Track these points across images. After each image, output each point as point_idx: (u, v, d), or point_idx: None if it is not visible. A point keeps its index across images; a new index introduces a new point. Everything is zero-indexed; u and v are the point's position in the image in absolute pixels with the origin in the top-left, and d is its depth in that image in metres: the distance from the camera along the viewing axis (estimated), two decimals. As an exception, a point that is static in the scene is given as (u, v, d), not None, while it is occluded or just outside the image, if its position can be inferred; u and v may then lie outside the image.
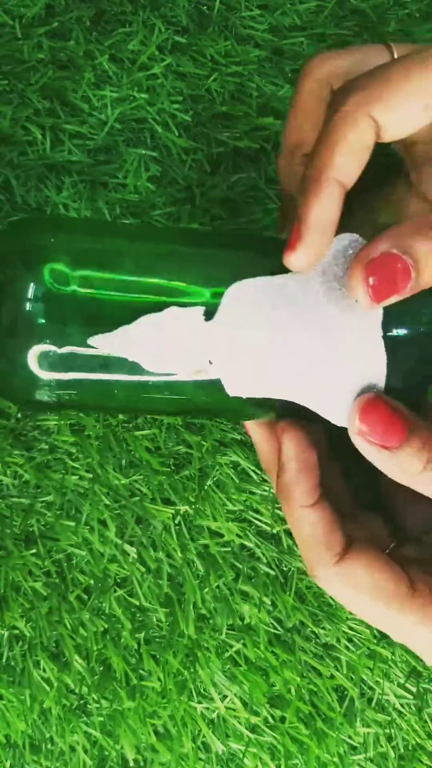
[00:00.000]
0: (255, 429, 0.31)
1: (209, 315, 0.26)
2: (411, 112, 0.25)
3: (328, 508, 0.27)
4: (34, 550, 0.41)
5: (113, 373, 0.28)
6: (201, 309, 0.26)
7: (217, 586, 0.41)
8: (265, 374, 0.26)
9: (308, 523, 0.27)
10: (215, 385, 0.29)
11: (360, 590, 0.26)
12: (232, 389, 0.26)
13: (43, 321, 0.27)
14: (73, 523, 0.41)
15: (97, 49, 0.44)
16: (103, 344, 0.25)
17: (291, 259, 0.25)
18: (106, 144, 0.43)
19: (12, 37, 0.43)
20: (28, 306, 0.26)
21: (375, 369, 0.26)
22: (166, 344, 0.25)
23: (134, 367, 0.28)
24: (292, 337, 0.26)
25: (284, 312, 0.26)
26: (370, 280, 0.24)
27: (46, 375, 0.27)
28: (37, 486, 0.41)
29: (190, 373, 0.26)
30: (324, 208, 0.25)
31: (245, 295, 0.26)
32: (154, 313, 0.25)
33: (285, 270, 0.26)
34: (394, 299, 0.25)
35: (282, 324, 0.26)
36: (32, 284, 0.26)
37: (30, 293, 0.26)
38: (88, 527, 0.41)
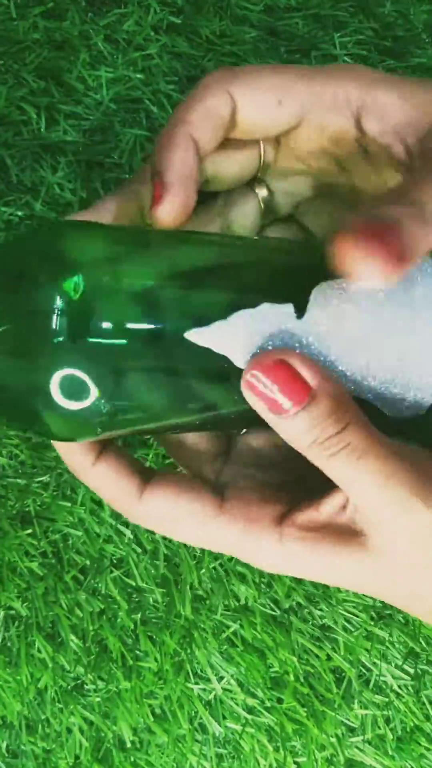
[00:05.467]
0: None
1: (300, 312, 0.25)
2: (265, 102, 0.26)
3: (112, 458, 0.26)
4: (30, 531, 0.41)
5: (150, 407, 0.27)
6: (291, 306, 0.25)
7: (214, 567, 0.41)
8: (354, 375, 0.25)
9: (102, 480, 0.26)
10: None
11: (168, 520, 0.26)
12: None
13: (70, 342, 0.24)
14: (69, 504, 0.41)
15: (92, 29, 0.44)
16: (198, 338, 0.24)
17: (158, 213, 0.25)
18: (101, 124, 0.43)
19: (7, 17, 0.43)
20: (53, 323, 0.24)
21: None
22: (259, 341, 0.24)
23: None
24: (383, 343, 0.25)
25: (371, 317, 0.25)
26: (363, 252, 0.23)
27: (65, 402, 0.25)
28: (32, 466, 0.41)
29: None
30: (182, 159, 0.25)
31: (331, 296, 0.25)
32: (248, 309, 0.24)
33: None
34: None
35: (371, 329, 0.25)
36: (59, 297, 0.24)
37: (58, 306, 0.24)
38: (83, 507, 0.41)
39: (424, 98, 0.26)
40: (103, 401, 0.24)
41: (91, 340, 0.24)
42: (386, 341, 0.25)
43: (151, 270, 0.25)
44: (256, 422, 0.25)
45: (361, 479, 0.23)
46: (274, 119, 0.27)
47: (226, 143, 0.28)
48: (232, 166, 0.29)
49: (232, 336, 0.24)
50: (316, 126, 0.27)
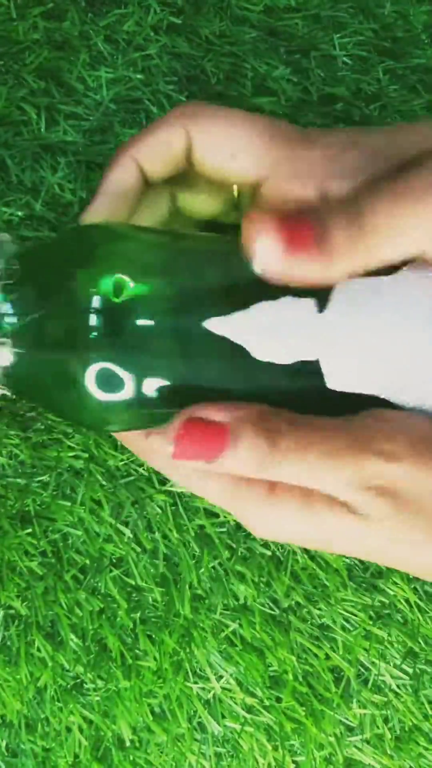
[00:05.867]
0: None
1: (321, 306, 0.25)
2: (217, 151, 0.27)
3: None
4: (29, 530, 0.41)
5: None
6: (313, 300, 0.25)
7: (213, 567, 0.41)
8: (371, 370, 0.25)
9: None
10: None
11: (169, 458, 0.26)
12: (335, 383, 0.25)
13: (101, 336, 0.26)
14: (68, 503, 0.41)
15: (92, 29, 0.44)
16: (218, 327, 0.25)
17: (81, 219, 0.27)
18: (101, 124, 0.43)
19: (7, 17, 0.43)
20: (90, 319, 0.26)
21: None
22: (277, 332, 0.25)
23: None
24: (400, 335, 0.25)
25: (390, 310, 0.25)
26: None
27: (101, 395, 0.26)
28: (32, 466, 0.41)
29: (293, 360, 0.25)
30: (117, 179, 0.27)
31: (354, 291, 0.25)
32: (269, 301, 0.25)
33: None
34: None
35: (389, 322, 0.25)
36: (96, 296, 0.26)
37: (93, 305, 0.26)
38: (83, 507, 0.41)
39: (386, 149, 0.26)
40: (133, 392, 0.25)
41: (124, 336, 0.25)
42: (405, 338, 0.25)
43: (178, 268, 0.26)
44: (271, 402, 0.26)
45: (319, 473, 0.24)
46: (227, 170, 0.27)
47: (200, 179, 0.28)
48: (201, 203, 0.30)
49: (251, 326, 0.25)
50: (277, 191, 0.26)
